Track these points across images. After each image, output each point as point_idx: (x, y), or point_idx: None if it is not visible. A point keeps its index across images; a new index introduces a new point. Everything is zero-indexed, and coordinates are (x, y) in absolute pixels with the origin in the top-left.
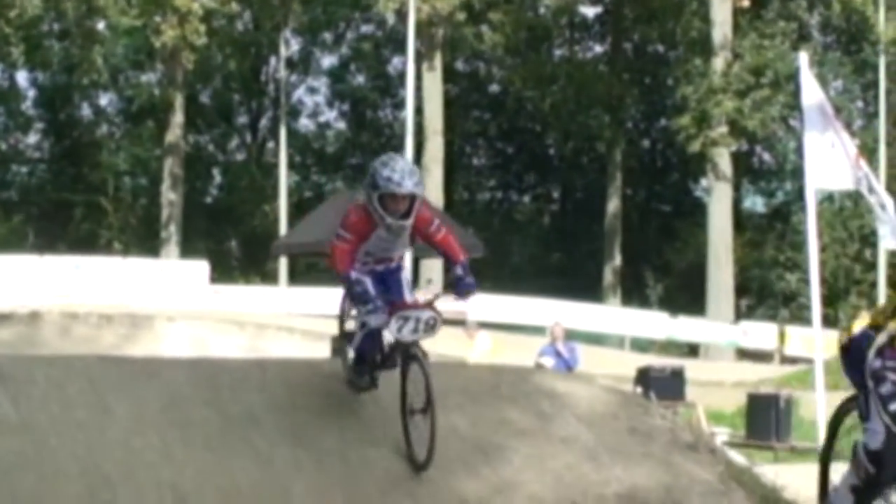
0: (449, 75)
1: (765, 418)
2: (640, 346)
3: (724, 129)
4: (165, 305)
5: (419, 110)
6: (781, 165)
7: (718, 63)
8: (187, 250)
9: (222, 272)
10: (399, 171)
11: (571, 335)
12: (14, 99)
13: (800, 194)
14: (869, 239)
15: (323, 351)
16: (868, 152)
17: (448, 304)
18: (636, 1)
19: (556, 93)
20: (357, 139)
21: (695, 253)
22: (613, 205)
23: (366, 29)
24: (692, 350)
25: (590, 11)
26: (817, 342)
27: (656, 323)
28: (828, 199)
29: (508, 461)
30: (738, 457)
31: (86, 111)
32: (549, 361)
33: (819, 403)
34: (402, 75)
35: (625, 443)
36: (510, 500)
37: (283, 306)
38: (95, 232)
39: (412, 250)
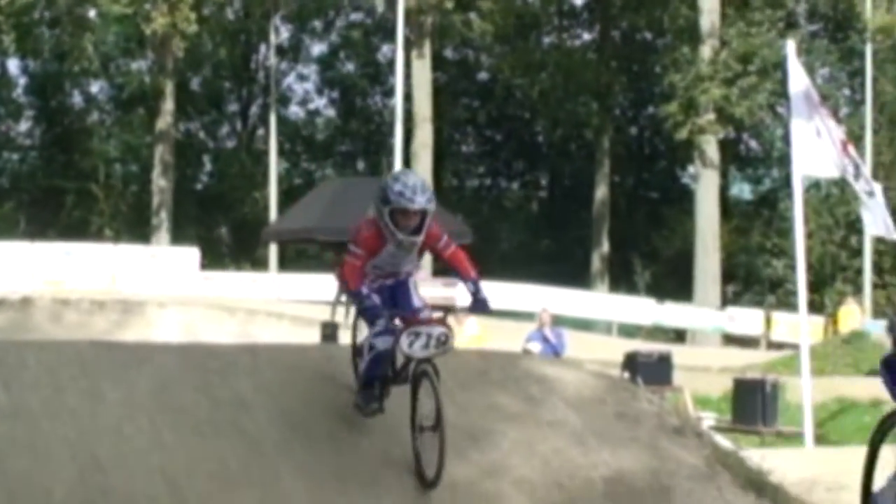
0: (438, 63)
1: (751, 403)
2: (628, 331)
3: (711, 116)
4: (156, 291)
5: (408, 98)
6: (768, 153)
7: (706, 51)
8: (178, 237)
9: (213, 259)
10: (411, 186)
11: (559, 321)
12: (5, 86)
13: (787, 181)
14: (855, 226)
15: (312, 336)
16: (855, 140)
17: (436, 291)
18: None
19: (544, 80)
20: (346, 127)
21: (682, 240)
22: (601, 192)
23: (355, 17)
24: (679, 336)
25: None
26: (803, 328)
27: (643, 309)
28: (814, 186)
29: (497, 445)
30: (724, 441)
31: (77, 98)
32: (536, 347)
33: (805, 388)
34: (391, 63)
35: (612, 427)
36: (499, 484)
37: (272, 292)
38: (86, 219)
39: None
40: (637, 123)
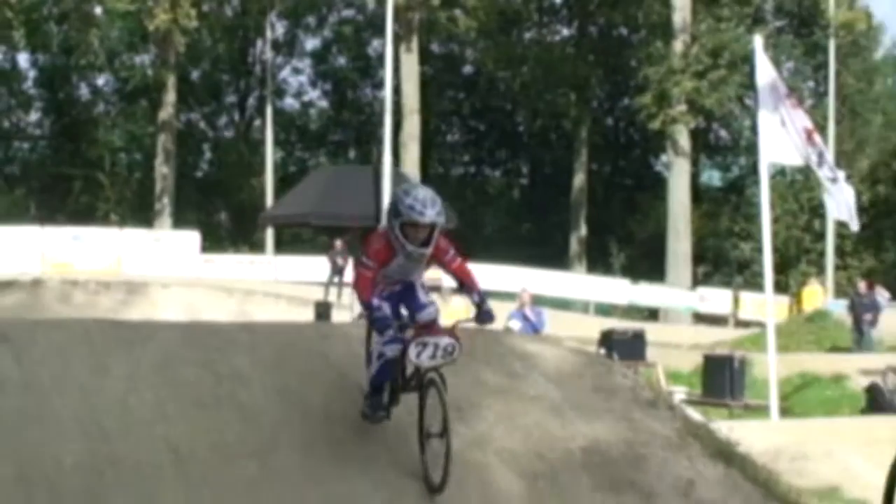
0: (425, 57)
1: (720, 378)
2: (604, 310)
3: (683, 107)
4: (159, 273)
5: (397, 90)
6: (737, 142)
7: (678, 45)
8: (179, 221)
9: (213, 242)
10: (421, 200)
11: (540, 301)
12: (16, 79)
13: (754, 169)
14: (818, 210)
15: (307, 315)
16: (818, 130)
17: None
18: None
19: (525, 73)
20: (339, 117)
21: (655, 224)
22: (579, 179)
23: (347, 13)
24: (652, 314)
25: None
26: (769, 307)
27: (619, 289)
28: (780, 173)
29: (482, 418)
30: (694, 413)
31: (83, 91)
32: (517, 325)
33: (770, 364)
34: (381, 57)
35: (589, 400)
36: (484, 454)
37: (269, 274)
38: (93, 204)
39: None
40: (613, 114)
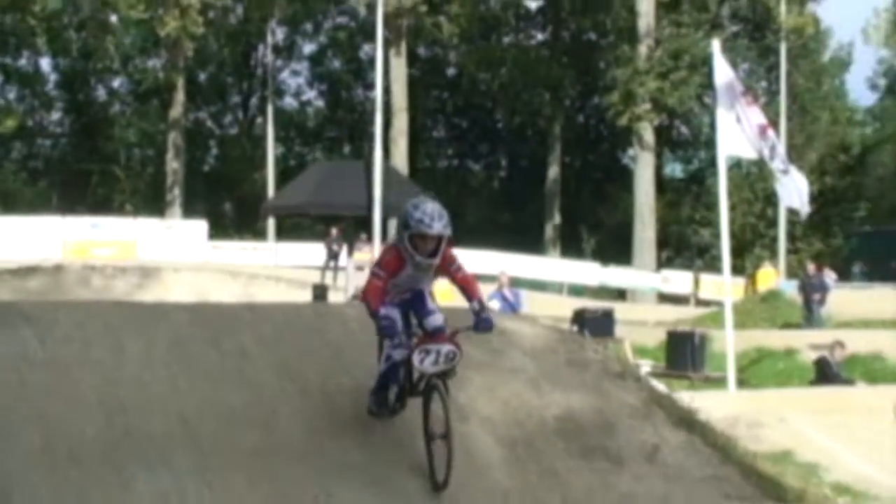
0: (412, 60)
1: (682, 352)
2: (576, 291)
3: (647, 105)
4: (171, 259)
5: (387, 90)
6: (697, 137)
7: (643, 49)
8: (189, 211)
9: (219, 230)
10: (429, 214)
11: (517, 283)
12: (38, 82)
13: (712, 162)
14: (771, 199)
15: (305, 296)
16: (771, 125)
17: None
18: None
19: (504, 75)
20: (334, 116)
21: (622, 212)
22: (553, 171)
23: (341, 20)
24: (620, 294)
25: (533, 4)
26: (727, 287)
27: (590, 272)
28: (736, 165)
29: (465, 390)
30: (658, 385)
31: (100, 92)
32: (496, 305)
33: (728, 339)
34: (372, 60)
35: (563, 373)
36: (467, 423)
37: (271, 259)
38: (110, 196)
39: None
40: (584, 112)
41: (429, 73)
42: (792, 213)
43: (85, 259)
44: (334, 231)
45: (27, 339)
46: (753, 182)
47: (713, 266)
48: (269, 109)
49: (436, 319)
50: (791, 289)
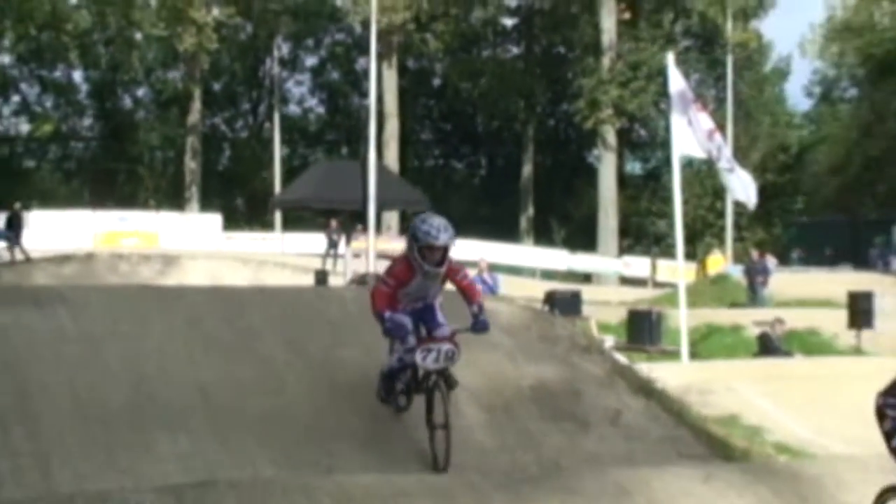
0: (402, 72)
1: (641, 328)
2: (547, 275)
3: (610, 111)
4: (189, 248)
5: (380, 98)
6: (654, 138)
7: (606, 61)
8: (205, 206)
9: (232, 222)
10: (435, 227)
11: (495, 268)
12: (71, 92)
13: (668, 160)
14: (720, 194)
15: (308, 280)
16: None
17: (399, 244)
18: (544, 14)
19: (483, 84)
20: (333, 121)
21: (588, 205)
22: (527, 169)
23: (339, 36)
24: (586, 278)
25: (509, 22)
26: (680, 271)
27: (559, 258)
28: (689, 164)
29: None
30: (620, 357)
31: (126, 101)
32: None
33: (682, 317)
34: (366, 72)
35: (536, 347)
36: (454, 392)
37: (278, 247)
38: (135, 192)
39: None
40: (554, 117)
41: (417, 84)
42: (739, 205)
43: (113, 248)
44: (334, 223)
45: (62, 318)
46: (703, 178)
47: (668, 252)
48: (276, 115)
49: (444, 332)
50: (737, 272)
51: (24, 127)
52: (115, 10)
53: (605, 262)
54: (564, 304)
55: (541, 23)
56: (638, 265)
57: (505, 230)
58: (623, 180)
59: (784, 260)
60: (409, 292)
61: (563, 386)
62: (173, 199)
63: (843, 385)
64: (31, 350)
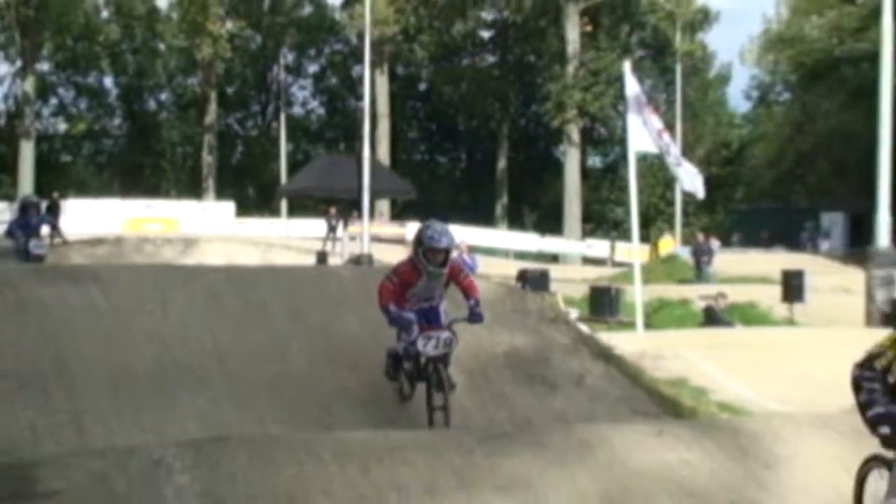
0: (393, 77)
1: (602, 302)
2: (520, 256)
3: (574, 112)
4: (206, 231)
5: (373, 101)
6: (612, 136)
7: (570, 68)
8: (220, 195)
9: (244, 210)
10: (438, 231)
11: (474, 249)
12: (103, 95)
13: (624, 155)
14: (670, 185)
15: (310, 260)
16: (669, 128)
17: (392, 229)
18: (516, 27)
19: (463, 88)
20: (332, 121)
21: (555, 194)
22: (502, 163)
23: (337, 46)
24: (554, 258)
25: (486, 34)
26: (636, 252)
27: (531, 241)
28: (643, 158)
29: None
30: (584, 328)
31: (151, 103)
32: None
33: (637, 292)
34: (361, 78)
35: (509, 318)
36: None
37: (284, 231)
38: (159, 184)
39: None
40: (525, 117)
41: (405, 88)
42: (687, 194)
43: (139, 232)
44: (333, 209)
45: (94, 294)
46: (656, 171)
47: (625, 236)
48: (282, 116)
49: (442, 321)
50: (685, 253)
51: (62, 126)
52: (141, 24)
53: (570, 244)
54: (535, 282)
55: (514, 35)
56: (599, 247)
57: (482, 216)
58: (586, 173)
59: (726, 242)
60: (416, 293)
61: (534, 353)
62: (192, 189)
63: (779, 351)
64: (68, 322)
